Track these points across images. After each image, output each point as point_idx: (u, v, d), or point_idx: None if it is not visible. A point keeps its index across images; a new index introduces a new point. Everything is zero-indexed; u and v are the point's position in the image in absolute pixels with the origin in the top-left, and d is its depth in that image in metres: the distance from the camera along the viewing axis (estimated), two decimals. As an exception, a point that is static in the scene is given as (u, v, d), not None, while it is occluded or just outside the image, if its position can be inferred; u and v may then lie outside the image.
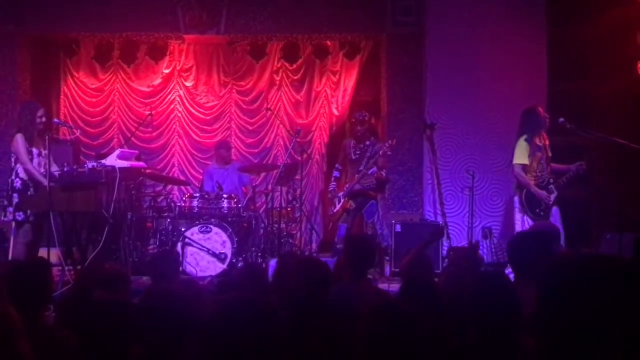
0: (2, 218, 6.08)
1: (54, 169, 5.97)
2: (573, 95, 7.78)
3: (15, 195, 5.90)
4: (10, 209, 5.89)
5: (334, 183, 7.52)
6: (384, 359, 2.16)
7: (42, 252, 5.54)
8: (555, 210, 6.47)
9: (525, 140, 6.47)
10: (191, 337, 2.29)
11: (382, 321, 2.23)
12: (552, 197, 6.44)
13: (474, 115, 7.83)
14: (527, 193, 6.47)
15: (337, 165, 7.60)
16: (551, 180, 6.47)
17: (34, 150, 5.98)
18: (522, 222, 6.50)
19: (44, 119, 6.07)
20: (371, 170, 7.09)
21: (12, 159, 6.05)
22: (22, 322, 2.27)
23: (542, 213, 6.42)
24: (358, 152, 7.29)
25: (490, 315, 2.41)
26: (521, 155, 6.48)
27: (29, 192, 5.91)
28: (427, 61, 7.86)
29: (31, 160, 5.94)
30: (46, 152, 5.93)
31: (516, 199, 6.58)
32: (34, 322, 2.75)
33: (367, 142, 7.28)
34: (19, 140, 5.91)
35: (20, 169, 5.94)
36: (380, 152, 7.08)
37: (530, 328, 2.24)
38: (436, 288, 3.18)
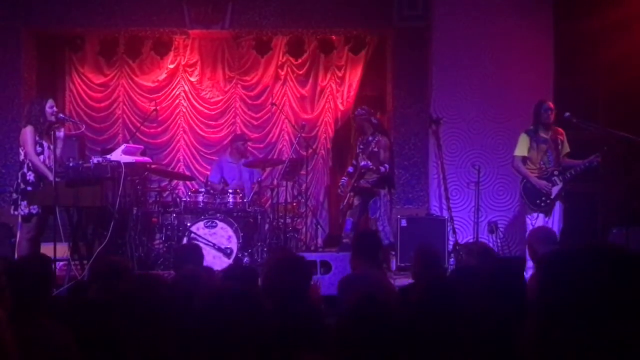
0: (13, 212, 5.98)
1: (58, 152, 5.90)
2: (580, 90, 7.76)
3: (29, 188, 5.81)
4: (25, 202, 5.80)
5: (345, 178, 7.52)
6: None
7: (49, 247, 5.52)
8: (558, 205, 6.40)
9: (527, 132, 6.50)
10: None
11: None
12: (555, 188, 6.35)
13: (480, 110, 7.80)
14: (525, 184, 6.44)
15: (353, 161, 7.63)
16: (556, 173, 6.41)
17: (44, 143, 5.91)
18: (530, 221, 6.43)
19: (55, 109, 5.97)
20: (362, 163, 7.09)
21: (22, 152, 5.94)
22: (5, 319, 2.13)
23: (543, 204, 6.34)
24: (362, 146, 7.35)
25: (495, 303, 2.42)
26: (520, 148, 6.51)
27: (40, 186, 5.83)
28: (433, 56, 7.83)
29: (41, 153, 5.88)
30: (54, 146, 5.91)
31: (519, 194, 6.57)
32: (34, 317, 2.74)
33: (370, 138, 7.30)
34: (28, 132, 5.83)
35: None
36: (374, 148, 7.12)
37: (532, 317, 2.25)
38: (445, 280, 3.17)
